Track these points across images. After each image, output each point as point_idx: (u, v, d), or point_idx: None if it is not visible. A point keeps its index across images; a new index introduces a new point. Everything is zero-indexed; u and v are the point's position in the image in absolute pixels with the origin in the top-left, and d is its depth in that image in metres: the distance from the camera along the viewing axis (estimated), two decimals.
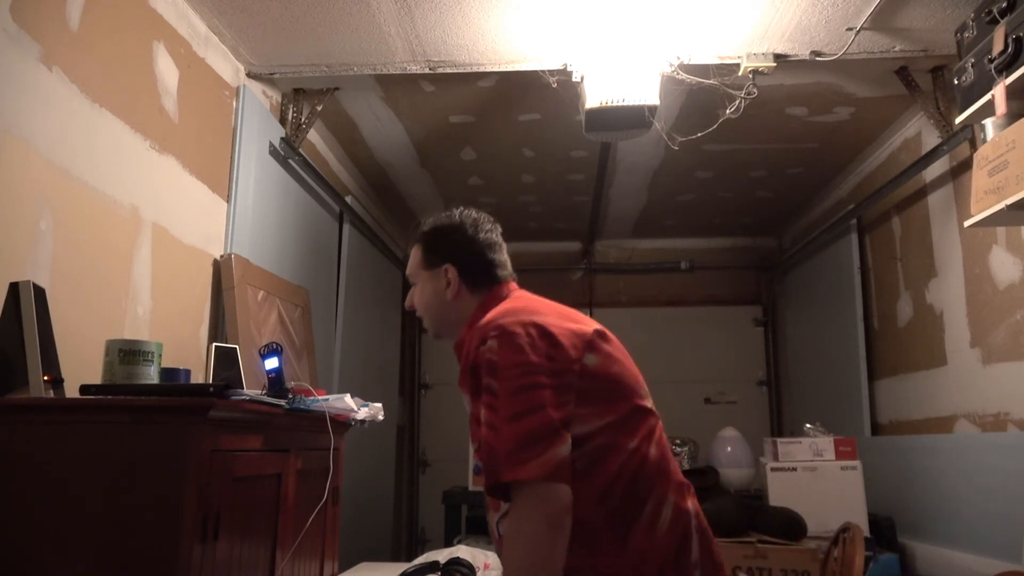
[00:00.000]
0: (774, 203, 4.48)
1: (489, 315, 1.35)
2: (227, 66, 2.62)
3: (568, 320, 1.33)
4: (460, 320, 1.46)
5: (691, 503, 1.31)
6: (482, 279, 1.47)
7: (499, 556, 1.37)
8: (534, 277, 1.54)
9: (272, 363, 1.83)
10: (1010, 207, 1.95)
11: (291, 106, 3.01)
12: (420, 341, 5.27)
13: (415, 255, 1.53)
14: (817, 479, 2.95)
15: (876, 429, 3.57)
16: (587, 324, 1.35)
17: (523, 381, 1.21)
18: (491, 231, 1.50)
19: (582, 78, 2.65)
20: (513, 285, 1.49)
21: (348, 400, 1.89)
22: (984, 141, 2.15)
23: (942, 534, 2.87)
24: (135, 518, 1.33)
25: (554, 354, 1.25)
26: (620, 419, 1.28)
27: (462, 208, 1.54)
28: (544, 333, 1.26)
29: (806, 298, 4.59)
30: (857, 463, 2.98)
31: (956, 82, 2.22)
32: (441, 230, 1.51)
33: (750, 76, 2.64)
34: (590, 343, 1.30)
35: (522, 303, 1.39)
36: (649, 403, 1.35)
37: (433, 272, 1.48)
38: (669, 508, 1.26)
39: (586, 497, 1.22)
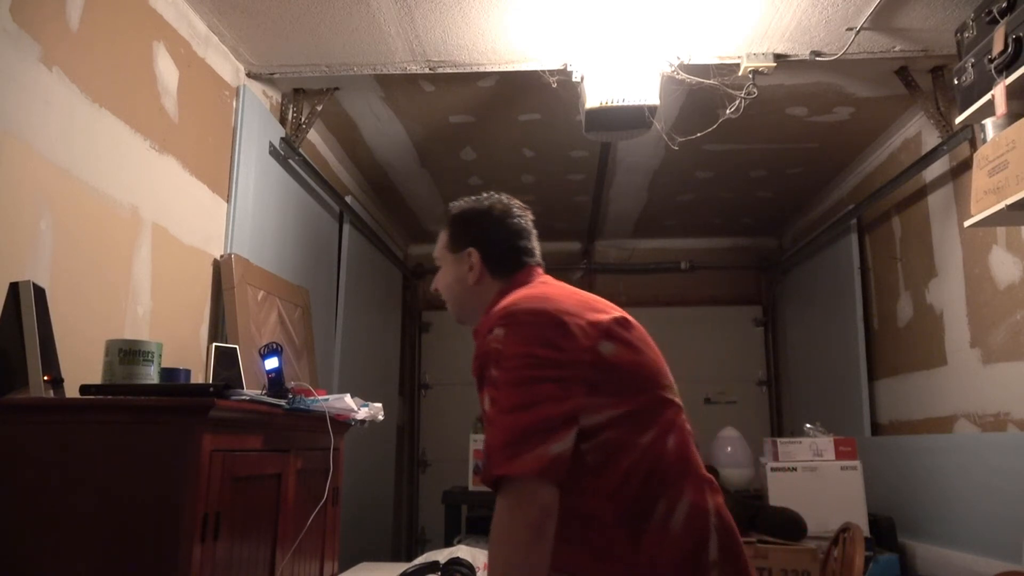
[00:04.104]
0: (774, 203, 4.48)
1: (504, 301, 1.30)
2: (227, 66, 2.62)
3: (584, 307, 1.27)
4: (481, 305, 1.42)
5: (711, 500, 1.24)
6: (506, 265, 1.43)
7: None
8: None
9: (272, 363, 1.84)
10: (1010, 207, 1.95)
11: (291, 106, 3.01)
12: (420, 341, 5.27)
13: (442, 237, 1.51)
14: (817, 479, 2.95)
15: (876, 429, 3.57)
16: (607, 311, 1.29)
17: (525, 373, 1.17)
18: (520, 217, 1.47)
19: (582, 78, 2.65)
20: (538, 271, 1.45)
21: (348, 400, 1.89)
22: (984, 141, 2.15)
23: (942, 534, 2.87)
24: (135, 518, 1.33)
25: (562, 344, 1.19)
26: (635, 411, 1.22)
27: (493, 193, 1.51)
28: (553, 322, 1.21)
29: (806, 298, 4.59)
30: (857, 463, 2.98)
31: (956, 82, 2.22)
32: (469, 213, 1.48)
33: (750, 76, 2.64)
34: (607, 331, 1.24)
35: (540, 290, 1.33)
36: (671, 394, 1.29)
37: (457, 256, 1.46)
38: (685, 506, 1.20)
39: (597, 492, 1.19)
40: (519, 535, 1.11)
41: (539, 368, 1.18)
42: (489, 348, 1.23)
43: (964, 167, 2.79)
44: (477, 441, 3.32)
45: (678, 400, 1.31)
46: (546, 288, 1.35)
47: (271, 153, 2.85)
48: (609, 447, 1.19)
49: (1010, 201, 1.94)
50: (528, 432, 1.14)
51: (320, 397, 1.83)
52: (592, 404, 1.19)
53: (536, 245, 1.48)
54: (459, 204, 1.51)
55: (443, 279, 1.49)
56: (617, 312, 1.30)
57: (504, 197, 1.50)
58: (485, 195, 1.50)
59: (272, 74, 2.80)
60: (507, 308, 1.26)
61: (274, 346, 1.86)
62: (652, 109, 2.57)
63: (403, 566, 2.12)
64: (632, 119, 2.61)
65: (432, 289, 1.53)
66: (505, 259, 1.44)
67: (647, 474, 1.20)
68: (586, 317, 1.24)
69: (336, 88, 2.98)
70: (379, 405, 2.06)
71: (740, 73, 2.64)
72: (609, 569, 1.18)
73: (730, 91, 2.71)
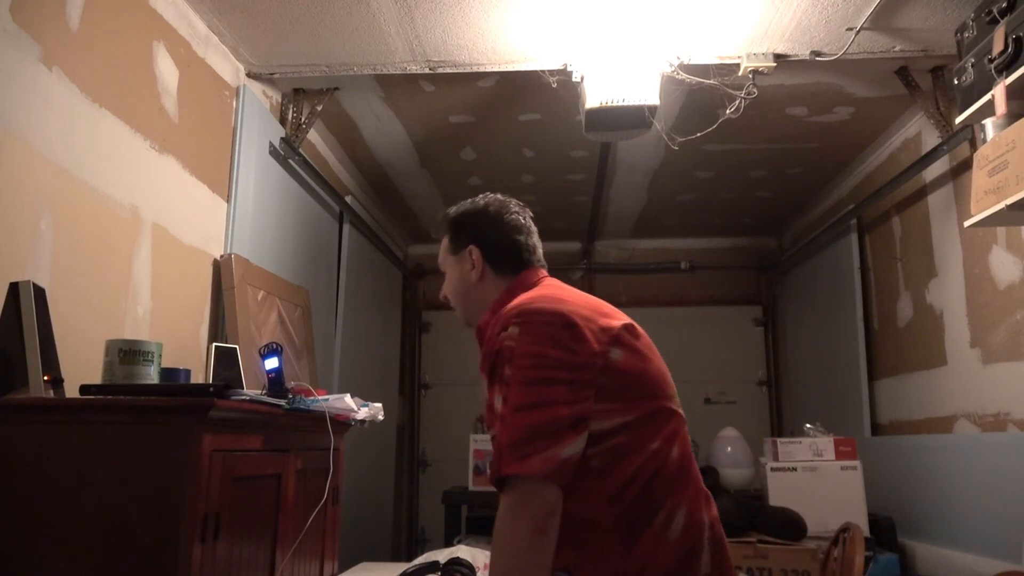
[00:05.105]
0: (774, 203, 4.48)
1: (514, 301, 1.30)
2: (227, 66, 2.62)
3: (596, 312, 1.27)
4: (485, 304, 1.43)
5: (707, 513, 1.25)
6: (508, 262, 1.44)
7: None
8: None
9: (272, 363, 1.83)
10: (1010, 207, 1.95)
11: (291, 106, 3.01)
12: (420, 341, 5.27)
13: (443, 244, 1.52)
14: (817, 479, 2.95)
15: (876, 429, 3.57)
16: (616, 317, 1.29)
17: (537, 374, 1.17)
18: (518, 214, 1.48)
19: (582, 78, 2.65)
20: (543, 272, 1.46)
21: (348, 400, 1.89)
22: (984, 141, 2.15)
23: (942, 534, 2.87)
24: (135, 518, 1.33)
25: (575, 347, 1.20)
26: (642, 418, 1.22)
27: (488, 193, 1.52)
28: (567, 324, 1.21)
29: (806, 298, 4.59)
30: (857, 463, 2.98)
31: (956, 82, 2.22)
32: (466, 214, 1.50)
33: (750, 76, 2.64)
34: (616, 337, 1.24)
35: (550, 291, 1.34)
36: (675, 404, 1.30)
37: (459, 256, 1.47)
38: (682, 516, 1.21)
39: (598, 495, 1.19)
40: (522, 533, 1.11)
41: (551, 369, 1.18)
42: (502, 346, 1.22)
43: (964, 167, 2.79)
44: (477, 441, 3.32)
45: (681, 411, 1.32)
46: (558, 291, 1.35)
47: (271, 153, 2.85)
48: (615, 453, 1.20)
49: (1010, 201, 1.94)
50: (538, 432, 1.14)
51: (320, 397, 1.83)
52: (601, 410, 1.19)
53: (538, 243, 1.49)
54: (455, 208, 1.53)
55: (449, 283, 1.50)
56: (626, 319, 1.30)
57: (500, 196, 1.51)
58: (481, 196, 1.51)
59: (272, 74, 2.80)
60: (521, 307, 1.26)
61: (274, 346, 1.86)
62: (652, 109, 2.57)
63: (403, 566, 2.12)
64: (632, 119, 2.61)
65: (441, 297, 1.53)
66: (506, 255, 1.44)
67: (649, 481, 1.20)
68: (598, 322, 1.24)
69: (336, 88, 2.98)
70: (379, 405, 2.05)
71: (740, 73, 2.64)
72: (604, 567, 1.18)
73: (730, 91, 2.71)
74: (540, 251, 1.49)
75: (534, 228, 1.50)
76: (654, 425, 1.24)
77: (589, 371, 1.19)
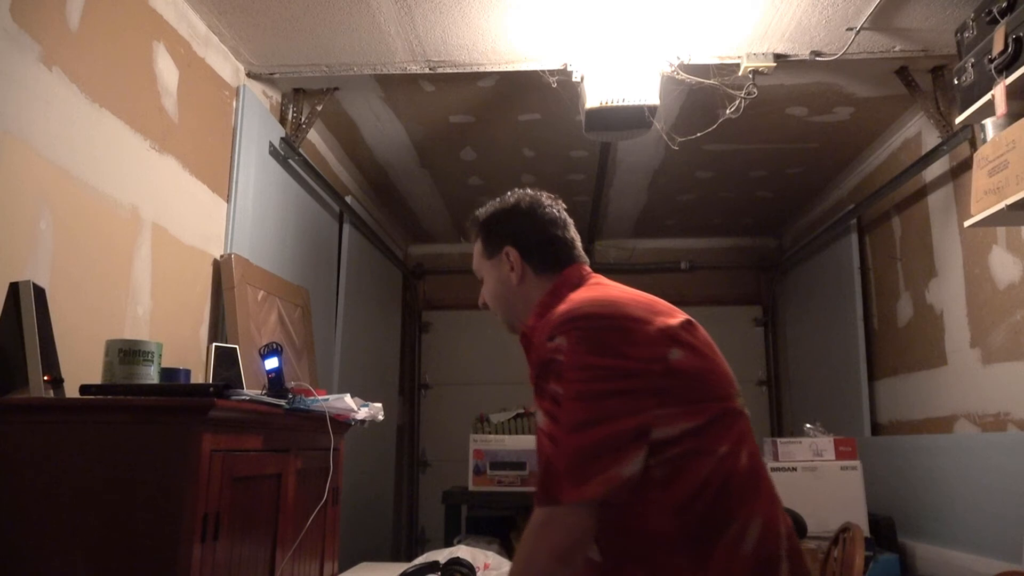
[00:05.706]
0: (774, 203, 4.48)
1: (561, 306, 1.21)
2: (227, 66, 2.62)
3: (650, 311, 1.18)
4: (528, 306, 1.34)
5: (783, 522, 1.15)
6: (549, 260, 1.35)
7: None
8: None
9: (272, 363, 1.83)
10: (1010, 207, 1.95)
11: (291, 106, 3.01)
12: (420, 341, 5.27)
13: (476, 249, 1.44)
14: (817, 479, 2.95)
15: (876, 429, 3.57)
16: (673, 315, 1.21)
17: (590, 387, 1.09)
18: (551, 207, 1.40)
19: (582, 78, 2.65)
20: (587, 269, 1.37)
21: (348, 400, 1.89)
22: (984, 141, 2.15)
23: (942, 534, 2.87)
24: (135, 518, 1.33)
25: (630, 352, 1.11)
26: (708, 422, 1.13)
27: (517, 189, 1.44)
28: (619, 328, 1.13)
29: (806, 298, 4.59)
30: (857, 463, 2.98)
31: (956, 82, 2.22)
32: (497, 214, 1.41)
33: (750, 76, 2.64)
34: (674, 336, 1.15)
35: (598, 291, 1.25)
36: (740, 403, 1.21)
37: (495, 260, 1.39)
38: (757, 527, 1.10)
39: (662, 507, 1.09)
40: (540, 559, 1.06)
41: (605, 381, 1.09)
42: (551, 357, 1.14)
43: (964, 167, 2.79)
44: (477, 441, 3.32)
45: (746, 410, 1.23)
46: (607, 290, 1.27)
47: (271, 153, 2.85)
48: (680, 460, 1.11)
49: (1010, 201, 1.94)
50: (596, 452, 1.06)
51: (320, 397, 1.83)
52: (664, 415, 1.10)
53: (576, 236, 1.40)
54: (484, 209, 1.44)
55: (488, 289, 1.42)
56: (683, 315, 1.22)
57: (530, 190, 1.43)
58: (509, 193, 1.44)
59: (272, 74, 2.80)
60: (568, 313, 1.17)
61: (274, 346, 1.86)
62: (652, 109, 2.57)
63: (403, 566, 2.12)
64: (632, 119, 2.61)
65: (480, 304, 1.45)
66: (546, 253, 1.36)
67: (719, 490, 1.11)
68: (654, 323, 1.16)
69: (336, 88, 2.98)
70: (379, 405, 2.06)
71: (740, 73, 2.64)
72: None
73: (730, 91, 2.71)
74: (580, 244, 1.40)
75: (570, 220, 1.41)
76: (722, 428, 1.14)
77: (647, 377, 1.10)
